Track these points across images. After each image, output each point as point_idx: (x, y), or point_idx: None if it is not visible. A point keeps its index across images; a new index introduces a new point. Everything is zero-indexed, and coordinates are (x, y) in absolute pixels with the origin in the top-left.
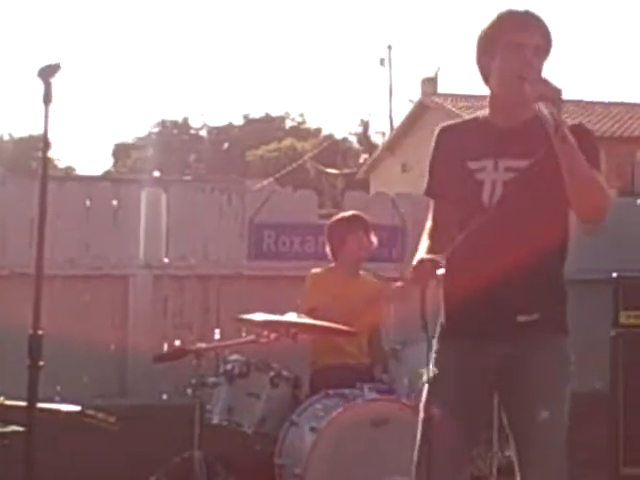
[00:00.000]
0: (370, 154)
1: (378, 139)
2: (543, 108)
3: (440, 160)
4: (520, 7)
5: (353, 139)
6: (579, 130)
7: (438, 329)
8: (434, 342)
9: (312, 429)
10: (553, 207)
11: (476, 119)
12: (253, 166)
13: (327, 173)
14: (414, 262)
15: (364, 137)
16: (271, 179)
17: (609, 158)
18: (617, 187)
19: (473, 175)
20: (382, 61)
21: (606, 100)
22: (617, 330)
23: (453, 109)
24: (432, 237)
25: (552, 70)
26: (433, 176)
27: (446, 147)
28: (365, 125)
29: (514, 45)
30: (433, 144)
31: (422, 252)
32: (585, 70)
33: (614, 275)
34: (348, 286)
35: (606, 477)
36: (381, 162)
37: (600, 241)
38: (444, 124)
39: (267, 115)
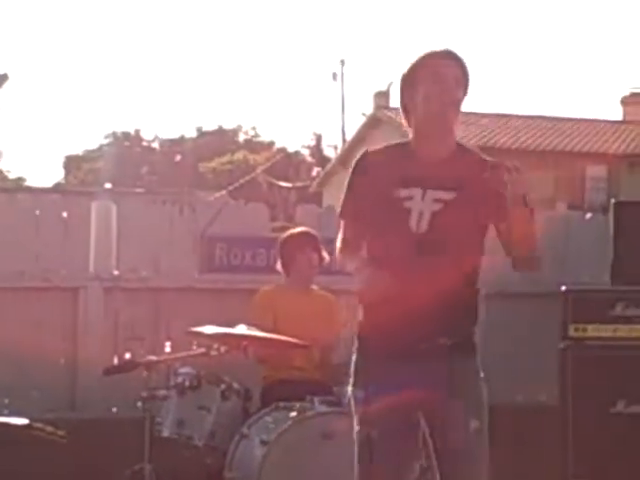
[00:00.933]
0: (323, 167)
1: (331, 152)
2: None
3: (363, 184)
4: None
5: (306, 152)
6: (501, 166)
7: (359, 350)
8: (355, 359)
9: (262, 442)
10: (474, 237)
11: (401, 146)
12: (206, 179)
13: (280, 186)
14: (371, 276)
15: (317, 150)
16: (224, 192)
17: (559, 173)
18: (567, 201)
19: (401, 203)
20: (335, 75)
21: (555, 115)
22: (566, 343)
23: (405, 122)
24: (354, 255)
25: (501, 85)
26: (351, 198)
27: (371, 172)
28: (318, 138)
29: (436, 74)
30: (355, 167)
31: (362, 265)
32: (533, 86)
33: (563, 288)
34: (299, 302)
35: None
36: (334, 175)
37: (550, 255)
38: (368, 149)
39: (220, 128)
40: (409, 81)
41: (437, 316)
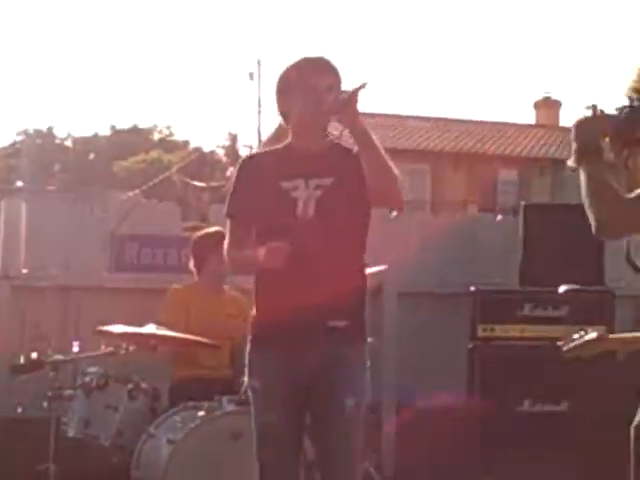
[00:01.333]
0: None
1: (246, 152)
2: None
3: (247, 184)
4: (316, 54)
5: (221, 152)
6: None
7: (252, 341)
8: (249, 352)
9: (169, 441)
10: (357, 218)
11: (278, 148)
12: (119, 177)
13: (194, 186)
14: (268, 249)
15: (232, 150)
16: (137, 191)
17: (471, 175)
18: (478, 203)
19: (287, 193)
20: (251, 75)
21: (468, 118)
22: (474, 343)
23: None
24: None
25: (416, 88)
26: (236, 199)
27: (254, 172)
28: (233, 138)
29: (308, 86)
30: (239, 170)
31: (251, 255)
32: (445, 89)
33: (472, 289)
34: (210, 301)
35: None
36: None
37: (460, 256)
38: (248, 154)
39: (135, 126)
40: (284, 89)
41: (326, 300)
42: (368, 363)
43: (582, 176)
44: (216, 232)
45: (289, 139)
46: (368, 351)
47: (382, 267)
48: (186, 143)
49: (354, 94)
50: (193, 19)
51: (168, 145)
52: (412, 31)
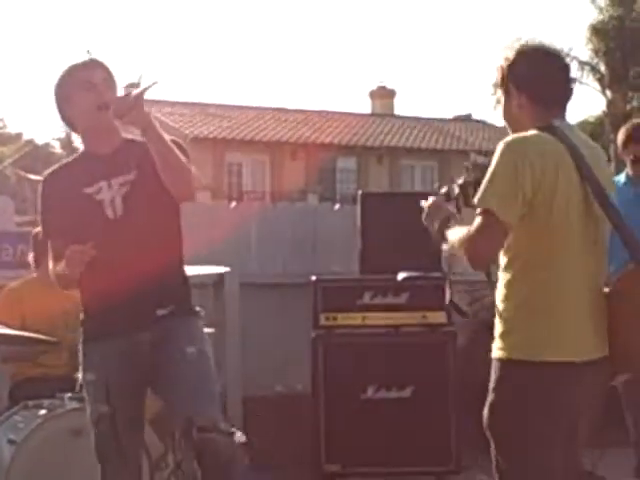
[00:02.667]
0: None
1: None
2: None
3: (52, 200)
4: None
5: (56, 144)
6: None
7: (83, 335)
8: (82, 348)
9: (10, 442)
10: (167, 207)
11: (75, 158)
12: None
13: (30, 179)
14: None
15: (67, 142)
16: None
17: (309, 164)
18: (318, 193)
19: (92, 197)
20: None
21: (306, 108)
22: (317, 332)
23: (158, 114)
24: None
25: (254, 79)
26: (46, 218)
27: (57, 186)
28: (68, 130)
29: (84, 82)
30: (41, 191)
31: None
32: (284, 79)
33: (313, 278)
34: (47, 297)
35: (309, 474)
36: None
37: (300, 246)
38: (48, 171)
39: None
40: (63, 95)
41: (149, 290)
42: (201, 328)
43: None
44: None
45: (82, 149)
46: (211, 339)
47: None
48: (19, 135)
49: (140, 94)
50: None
51: (0, 138)
52: (245, 19)
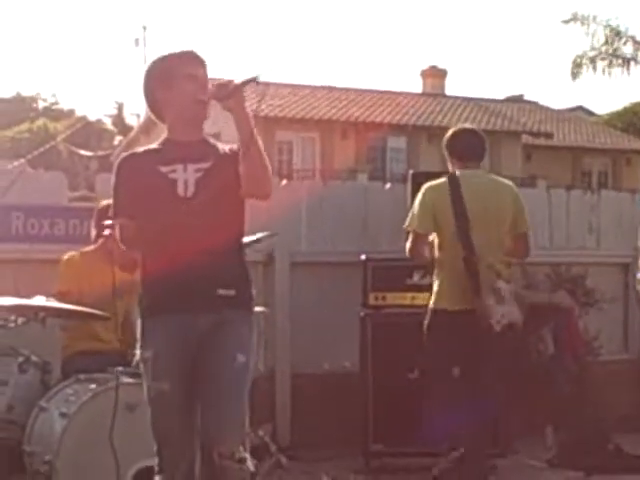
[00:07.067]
0: (125, 136)
1: (133, 121)
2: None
3: (124, 183)
4: (185, 48)
5: (108, 121)
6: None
7: (142, 313)
8: (140, 325)
9: (62, 414)
10: (233, 197)
11: (155, 146)
12: (3, 147)
13: (81, 155)
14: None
15: (119, 119)
16: (22, 160)
17: (359, 143)
18: (368, 171)
19: (165, 175)
20: (137, 41)
21: (357, 87)
22: (366, 311)
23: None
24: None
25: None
26: (118, 199)
27: (130, 169)
28: (120, 107)
29: (189, 75)
30: (115, 173)
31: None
32: (336, 58)
33: (363, 257)
34: (104, 271)
35: (357, 453)
36: (136, 144)
37: (350, 224)
38: (125, 154)
39: (18, 95)
40: (164, 79)
41: (211, 269)
42: (257, 333)
43: None
44: None
45: (165, 135)
46: (259, 321)
47: (267, 233)
48: (71, 111)
49: (243, 84)
50: None
51: (53, 114)
52: (299, 1)
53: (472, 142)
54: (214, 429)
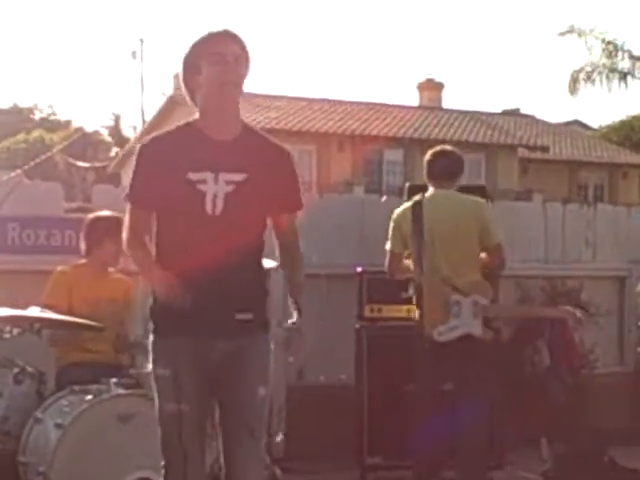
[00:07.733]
0: (122, 148)
1: (130, 133)
2: None
3: (149, 170)
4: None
5: (105, 132)
6: (283, 153)
7: (156, 331)
8: (154, 341)
9: (57, 425)
10: (261, 215)
11: (187, 128)
12: (0, 158)
13: (77, 166)
14: (159, 276)
15: (115, 130)
16: (19, 171)
17: (356, 156)
18: (364, 184)
19: (194, 186)
20: (134, 54)
21: (354, 100)
22: (361, 323)
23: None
24: (143, 246)
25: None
26: (137, 184)
27: (157, 157)
28: (117, 118)
29: (216, 54)
30: (137, 157)
31: (151, 264)
32: (333, 71)
33: (358, 270)
34: (95, 284)
35: (352, 466)
36: (132, 156)
37: (346, 237)
38: (150, 137)
39: (15, 106)
40: (190, 61)
41: (231, 293)
42: (271, 347)
43: None
44: (112, 217)
45: (196, 116)
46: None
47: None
48: (68, 123)
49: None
50: None
51: (50, 125)
52: (296, 11)
53: (445, 164)
54: (240, 470)
